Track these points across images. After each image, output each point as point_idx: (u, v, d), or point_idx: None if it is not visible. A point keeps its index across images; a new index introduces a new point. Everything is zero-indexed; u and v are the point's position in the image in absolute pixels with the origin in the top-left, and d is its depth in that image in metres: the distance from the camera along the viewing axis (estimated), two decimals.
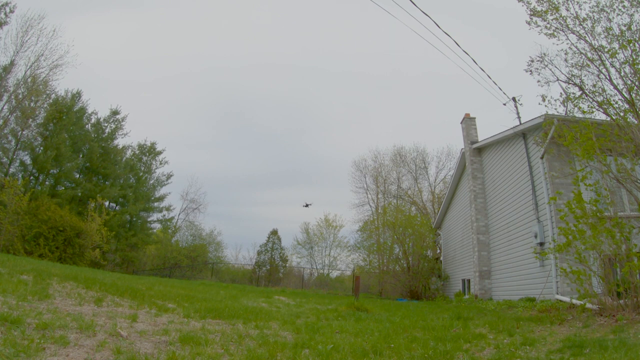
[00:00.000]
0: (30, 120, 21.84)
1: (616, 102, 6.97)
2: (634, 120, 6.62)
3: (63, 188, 24.20)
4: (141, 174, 30.27)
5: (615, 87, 7.04)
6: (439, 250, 22.96)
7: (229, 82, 60.76)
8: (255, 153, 59.47)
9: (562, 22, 7.56)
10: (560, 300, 7.99)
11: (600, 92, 7.16)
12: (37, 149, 22.61)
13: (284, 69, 60.24)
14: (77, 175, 25.58)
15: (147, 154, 31.08)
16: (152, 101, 56.37)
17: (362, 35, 59.51)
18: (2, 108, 20.07)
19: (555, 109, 7.61)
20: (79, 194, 24.64)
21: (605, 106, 6.98)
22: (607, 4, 7.30)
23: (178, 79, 59.35)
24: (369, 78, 59.49)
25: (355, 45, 58.48)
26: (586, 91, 7.31)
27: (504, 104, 13.79)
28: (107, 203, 25.59)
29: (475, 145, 15.02)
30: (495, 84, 12.07)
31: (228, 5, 68.29)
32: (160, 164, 31.51)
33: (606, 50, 7.17)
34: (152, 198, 30.50)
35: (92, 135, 26.33)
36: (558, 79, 7.81)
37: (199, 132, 59.49)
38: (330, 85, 61.38)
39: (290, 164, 59.51)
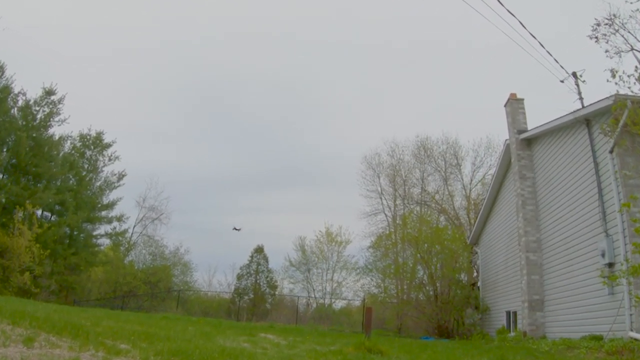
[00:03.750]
0: None
1: None
2: None
3: None
4: (84, 173, 30.30)
5: None
6: (475, 274, 22.99)
7: (204, 58, 60.93)
8: (237, 148, 59.76)
9: None
10: (636, 339, 7.99)
11: None
12: None
13: (276, 40, 60.53)
14: (0, 176, 25.58)
15: (92, 147, 31.12)
16: (102, 80, 56.53)
17: None
18: None
19: (629, 87, 7.63)
20: (3, 200, 24.62)
21: None
22: None
23: (137, 53, 59.47)
24: (385, 51, 59.75)
25: (368, 9, 58.78)
26: None
27: (562, 81, 13.77)
28: (39, 212, 25.62)
29: (523, 136, 15.03)
30: (550, 54, 12.05)
31: None
32: (110, 160, 31.58)
33: None
34: (99, 205, 30.52)
35: (20, 123, 26.29)
36: (633, 48, 7.83)
37: (163, 120, 59.80)
38: (335, 60, 61.62)
39: (283, 162, 59.80)
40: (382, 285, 24.35)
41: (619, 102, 8.85)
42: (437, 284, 20.94)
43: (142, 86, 58.79)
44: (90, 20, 55.86)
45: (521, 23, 10.73)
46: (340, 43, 59.36)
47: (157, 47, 60.52)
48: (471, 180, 31.58)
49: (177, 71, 60.30)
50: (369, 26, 59.30)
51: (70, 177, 29.29)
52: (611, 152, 9.98)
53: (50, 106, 27.75)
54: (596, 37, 8.20)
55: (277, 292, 33.07)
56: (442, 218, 29.76)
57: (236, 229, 16.25)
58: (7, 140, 25.66)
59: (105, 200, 31.23)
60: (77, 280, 27.52)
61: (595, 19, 8.32)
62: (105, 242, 31.87)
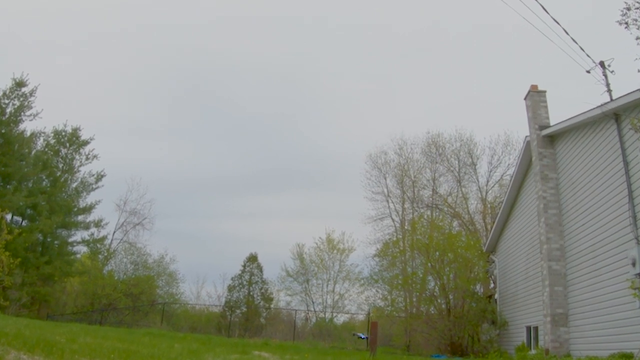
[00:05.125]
0: None
1: None
2: None
3: None
4: (59, 173, 30.32)
5: None
6: (492, 285, 23.02)
7: (192, 45, 60.88)
8: (229, 146, 59.88)
9: None
10: None
11: None
12: None
13: (273, 23, 60.44)
14: None
15: (68, 145, 31.14)
16: (77, 70, 56.56)
17: None
18: None
19: None
20: None
21: None
22: None
23: (116, 38, 59.51)
24: (394, 37, 59.69)
25: None
26: None
27: (588, 72, 13.75)
28: (9, 216, 25.58)
29: (545, 132, 15.04)
30: (575, 41, 12.04)
31: None
32: (87, 159, 31.58)
33: None
34: (75, 209, 30.53)
35: None
36: None
37: (146, 115, 59.87)
38: (339, 48, 61.60)
39: (278, 161, 59.90)
40: (388, 297, 24.35)
41: None
42: (450, 296, 20.95)
43: (120, 76, 58.87)
44: (60, 2, 55.88)
45: (543, 7, 10.73)
46: (343, 27, 59.47)
47: (138, 32, 60.56)
48: (487, 181, 31.58)
49: (161, 59, 60.40)
50: (375, 8, 59.48)
51: (44, 177, 29.31)
52: None
53: (21, 99, 27.70)
54: (626, 23, 8.19)
55: (272, 305, 33.12)
56: (455, 223, 29.79)
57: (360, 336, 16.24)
58: None
59: (82, 204, 31.23)
60: (50, 292, 27.51)
61: (625, 2, 8.32)
62: (82, 249, 31.87)
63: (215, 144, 60.53)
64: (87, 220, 31.30)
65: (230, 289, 32.69)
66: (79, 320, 24.67)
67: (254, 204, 56.30)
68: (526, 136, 16.42)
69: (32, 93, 27.94)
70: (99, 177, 31.92)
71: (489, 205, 30.50)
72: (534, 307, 15.84)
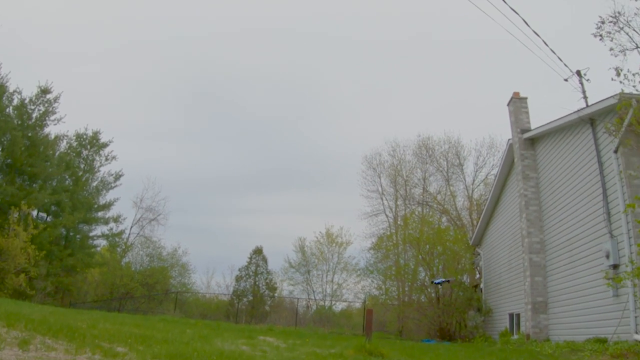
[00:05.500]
0: None
1: None
2: None
3: None
4: (80, 173, 30.29)
5: None
6: (478, 275, 23.02)
7: (203, 55, 60.88)
8: (237, 147, 59.80)
9: None
10: None
11: None
12: None
13: (278, 35, 60.42)
14: None
15: (89, 147, 31.12)
16: (97, 78, 56.58)
17: None
18: None
19: (634, 86, 7.64)
20: None
21: None
22: None
23: (134, 50, 59.43)
24: (389, 48, 59.74)
25: (370, 5, 58.72)
26: None
27: (566, 80, 13.78)
28: (35, 212, 25.59)
29: (526, 135, 15.04)
30: (554, 52, 12.06)
31: None
32: (106, 160, 31.55)
33: None
34: (96, 206, 30.51)
35: (15, 122, 26.29)
36: (638, 46, 7.83)
37: (161, 119, 59.83)
38: (338, 57, 61.57)
39: (283, 162, 59.78)
40: (383, 287, 24.39)
41: (624, 101, 8.86)
42: (439, 286, 20.95)
43: (138, 84, 58.86)
44: (82, 17, 55.85)
45: (524, 21, 10.73)
46: (343, 40, 59.52)
47: (153, 44, 60.50)
48: (473, 180, 31.59)
49: (175, 68, 60.33)
50: (372, 23, 59.38)
51: (67, 177, 29.29)
52: (616, 151, 9.99)
53: (46, 105, 27.72)
54: (600, 35, 8.20)
55: (276, 294, 33.10)
56: (444, 219, 29.79)
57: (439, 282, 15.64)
58: (2, 139, 25.64)
59: (101, 201, 31.22)
60: (73, 281, 27.51)
61: (600, 16, 8.33)
62: (102, 243, 31.88)
63: (222, 146, 60.58)
64: (107, 216, 31.32)
65: (238, 279, 32.66)
66: (99, 308, 24.68)
67: (259, 201, 56.31)
68: (509, 139, 16.42)
69: (56, 99, 27.95)
70: (117, 176, 31.93)
71: (474, 202, 30.51)
72: (516, 295, 15.85)
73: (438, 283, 16.49)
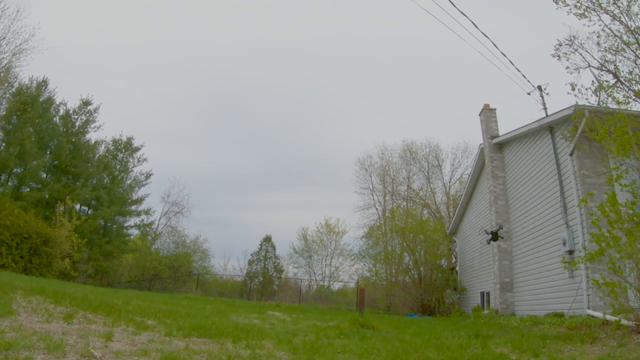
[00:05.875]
0: None
1: None
2: None
3: (28, 189, 24.18)
4: (116, 172, 30.28)
5: None
6: (454, 259, 23.00)
7: (221, 72, 60.91)
8: (248, 150, 59.53)
9: (594, 1, 7.57)
10: (592, 316, 8.00)
11: (638, 80, 7.18)
12: None
13: (284, 55, 60.34)
14: (44, 175, 25.57)
15: (123, 150, 31.10)
16: (130, 92, 56.49)
17: (372, 17, 59.66)
18: None
19: (587, 99, 7.64)
20: (46, 196, 24.61)
21: None
22: None
23: (160, 67, 59.44)
24: (378, 65, 59.67)
25: (365, 28, 58.58)
26: (621, 79, 7.32)
27: (529, 94, 13.78)
28: (77, 206, 25.59)
29: (495, 141, 15.03)
30: (519, 70, 12.10)
31: None
32: (138, 161, 31.57)
33: None
34: (129, 200, 30.51)
35: (61, 129, 26.30)
36: (589, 65, 7.83)
37: (184, 127, 59.64)
38: (335, 73, 61.54)
39: (289, 163, 59.68)
40: (373, 269, 24.35)
41: (578, 112, 8.86)
42: (421, 269, 20.95)
43: (165, 97, 58.73)
44: (119, 38, 55.78)
45: (494, 44, 10.75)
46: (339, 59, 59.34)
47: (178, 63, 60.44)
48: (450, 179, 31.69)
49: (196, 83, 60.33)
50: (365, 44, 59.14)
51: (105, 176, 29.29)
52: (571, 154, 9.99)
53: (87, 115, 27.81)
54: (558, 56, 8.20)
55: (282, 276, 33.08)
56: (425, 212, 29.78)
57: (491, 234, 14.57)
58: (50, 144, 25.70)
59: (134, 196, 31.23)
60: (110, 265, 27.53)
61: (558, 39, 8.33)
62: (135, 232, 31.91)
63: (235, 149, 60.42)
64: (139, 209, 31.37)
65: (250, 262, 32.67)
66: (132, 287, 24.67)
67: (268, 197, 56.17)
68: (480, 144, 16.41)
69: (95, 110, 28.08)
70: (148, 175, 31.93)
71: (451, 198, 30.53)
72: (486, 277, 15.86)
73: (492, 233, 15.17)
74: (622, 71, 7.39)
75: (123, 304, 8.28)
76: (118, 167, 30.80)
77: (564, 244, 10.08)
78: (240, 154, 59.83)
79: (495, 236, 13.47)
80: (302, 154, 58.73)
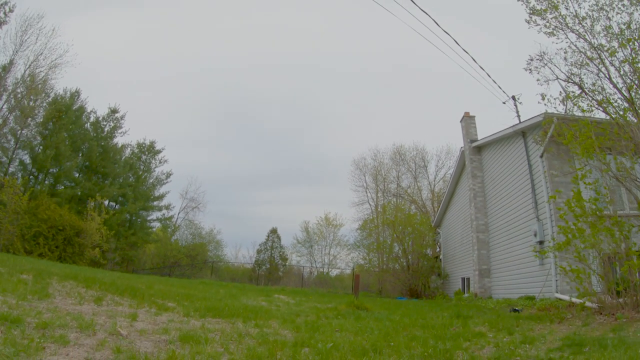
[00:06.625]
0: (30, 119, 21.82)
1: (615, 101, 6.98)
2: (634, 119, 6.62)
3: (62, 187, 24.17)
4: (140, 172, 30.23)
5: (615, 86, 7.04)
6: (438, 249, 23.00)
7: (231, 83, 60.44)
8: (256, 152, 59.39)
9: (562, 21, 7.55)
10: (560, 299, 8.01)
11: (600, 90, 7.16)
12: (37, 148, 22.59)
13: (287, 68, 60.10)
14: (77, 175, 25.56)
15: (147, 153, 31.05)
16: (152, 101, 56.27)
17: (365, 34, 59.36)
18: (2, 107, 20.05)
19: (555, 107, 7.62)
20: (79, 193, 24.61)
21: (604, 105, 6.98)
22: (607, 3, 7.30)
23: (179, 79, 59.18)
24: (371, 77, 59.49)
25: (358, 44, 58.34)
26: (586, 90, 7.31)
27: (504, 103, 13.80)
28: (106, 202, 25.57)
29: (474, 144, 15.03)
30: (495, 82, 12.10)
31: (229, 5, 68.09)
32: (160, 162, 31.50)
33: (605, 49, 7.17)
34: (152, 197, 30.47)
35: (92, 134, 26.28)
36: (558, 78, 7.80)
37: (199, 132, 59.41)
38: (333, 84, 61.21)
39: (292, 163, 59.49)
40: (367, 257, 24.32)
41: (548, 119, 8.87)
42: (409, 257, 20.94)
43: (183, 105, 58.58)
44: (144, 53, 55.71)
45: (473, 59, 10.73)
46: (336, 71, 59.23)
47: (195, 74, 60.35)
48: (435, 178, 31.70)
49: (211, 93, 60.06)
50: (359, 57, 58.97)
51: (130, 175, 29.26)
52: (541, 156, 9.99)
53: (115, 121, 27.76)
54: (530, 69, 8.17)
55: (287, 263, 33.03)
56: (412, 207, 29.77)
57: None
58: (82, 147, 25.69)
59: (156, 193, 31.15)
60: (135, 254, 27.51)
61: (529, 55, 8.31)
62: (157, 225, 31.81)
63: (246, 151, 60.27)
64: (160, 205, 31.24)
65: (258, 251, 32.59)
66: (154, 274, 24.68)
67: (274, 194, 56.06)
68: (461, 147, 16.41)
69: (122, 117, 28.03)
70: (168, 175, 31.83)
71: (436, 195, 30.53)
72: (466, 264, 15.86)
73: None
74: (587, 83, 7.38)
75: (146, 288, 8.28)
76: (142, 167, 30.76)
77: (535, 235, 10.09)
78: (250, 156, 59.76)
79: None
80: (305, 155, 58.63)
